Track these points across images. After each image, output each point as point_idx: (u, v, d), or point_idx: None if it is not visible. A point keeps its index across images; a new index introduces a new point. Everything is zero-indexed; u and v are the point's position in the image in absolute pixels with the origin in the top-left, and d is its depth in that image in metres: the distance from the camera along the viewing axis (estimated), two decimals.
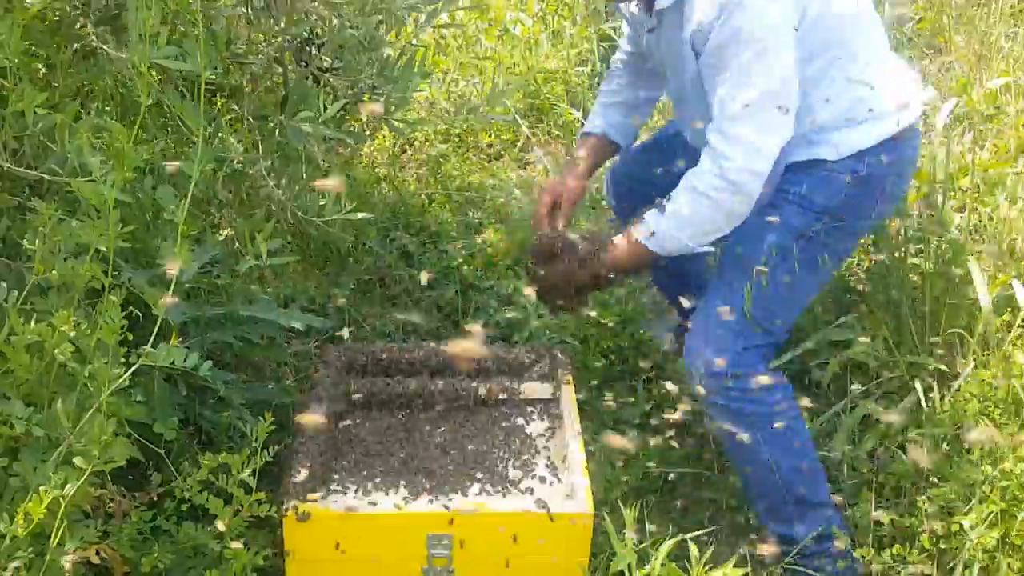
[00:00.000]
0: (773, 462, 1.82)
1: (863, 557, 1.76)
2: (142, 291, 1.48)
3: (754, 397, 1.78)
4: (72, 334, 1.32)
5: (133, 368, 1.36)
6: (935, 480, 1.88)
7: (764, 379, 1.77)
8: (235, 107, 2.31)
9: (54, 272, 1.36)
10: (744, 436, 1.78)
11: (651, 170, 2.10)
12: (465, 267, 2.71)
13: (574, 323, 2.50)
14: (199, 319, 1.92)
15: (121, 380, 1.34)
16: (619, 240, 1.81)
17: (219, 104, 2.44)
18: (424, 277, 2.28)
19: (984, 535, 1.66)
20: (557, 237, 1.88)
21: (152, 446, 1.57)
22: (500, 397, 1.95)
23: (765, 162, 1.64)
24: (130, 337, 1.41)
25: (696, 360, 1.80)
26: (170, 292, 1.38)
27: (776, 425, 1.79)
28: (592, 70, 3.70)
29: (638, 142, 2.27)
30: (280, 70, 2.09)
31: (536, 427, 1.90)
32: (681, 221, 1.71)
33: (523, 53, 3.66)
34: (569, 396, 1.89)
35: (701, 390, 1.82)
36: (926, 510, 1.77)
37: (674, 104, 2.01)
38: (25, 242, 1.35)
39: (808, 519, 1.84)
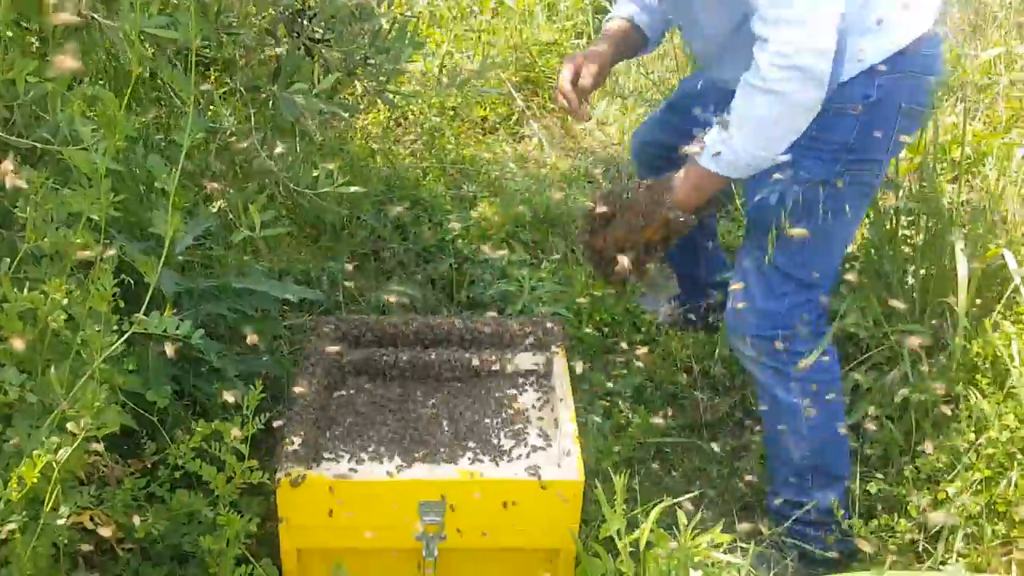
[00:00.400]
0: (810, 429, 1.81)
1: (851, 527, 1.78)
2: (134, 260, 1.48)
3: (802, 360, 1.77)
4: (65, 302, 1.33)
5: (126, 335, 1.37)
6: (921, 450, 1.90)
7: (810, 343, 1.75)
8: (228, 80, 2.31)
9: (46, 240, 1.36)
10: (793, 401, 1.77)
11: (678, 130, 1.99)
12: (460, 240, 2.72)
13: (567, 296, 2.52)
14: (192, 291, 1.93)
15: (114, 347, 1.36)
16: (682, 174, 1.69)
17: (212, 77, 2.44)
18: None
19: (970, 502, 1.68)
20: (613, 193, 1.77)
21: (146, 414, 1.58)
22: (493, 368, 1.97)
23: (827, 37, 1.49)
24: (122, 304, 1.42)
25: (742, 323, 1.78)
26: (162, 262, 1.39)
27: (827, 396, 1.78)
28: (587, 43, 3.69)
29: (662, 103, 2.21)
30: (272, 42, 2.08)
31: (528, 397, 1.91)
32: (750, 129, 1.56)
33: (518, 25, 3.65)
34: (561, 367, 1.91)
35: (750, 352, 1.81)
36: (913, 479, 1.80)
37: (695, 45, 1.90)
38: (17, 210, 1.35)
39: (829, 489, 1.85)
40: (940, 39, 1.69)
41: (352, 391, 1.91)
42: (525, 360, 1.98)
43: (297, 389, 1.78)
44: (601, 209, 1.77)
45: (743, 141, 1.57)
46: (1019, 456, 1.71)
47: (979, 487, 1.72)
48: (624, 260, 1.74)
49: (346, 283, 2.52)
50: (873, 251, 2.24)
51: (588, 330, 2.48)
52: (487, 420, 1.84)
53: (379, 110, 3.31)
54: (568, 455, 1.67)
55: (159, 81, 2.33)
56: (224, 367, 1.92)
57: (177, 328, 1.41)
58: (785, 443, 1.85)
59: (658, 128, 2.16)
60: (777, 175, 1.66)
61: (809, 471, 1.84)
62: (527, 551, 1.67)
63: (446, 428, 1.81)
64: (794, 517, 1.85)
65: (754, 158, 1.59)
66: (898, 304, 1.86)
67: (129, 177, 1.56)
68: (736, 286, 1.81)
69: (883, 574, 1.42)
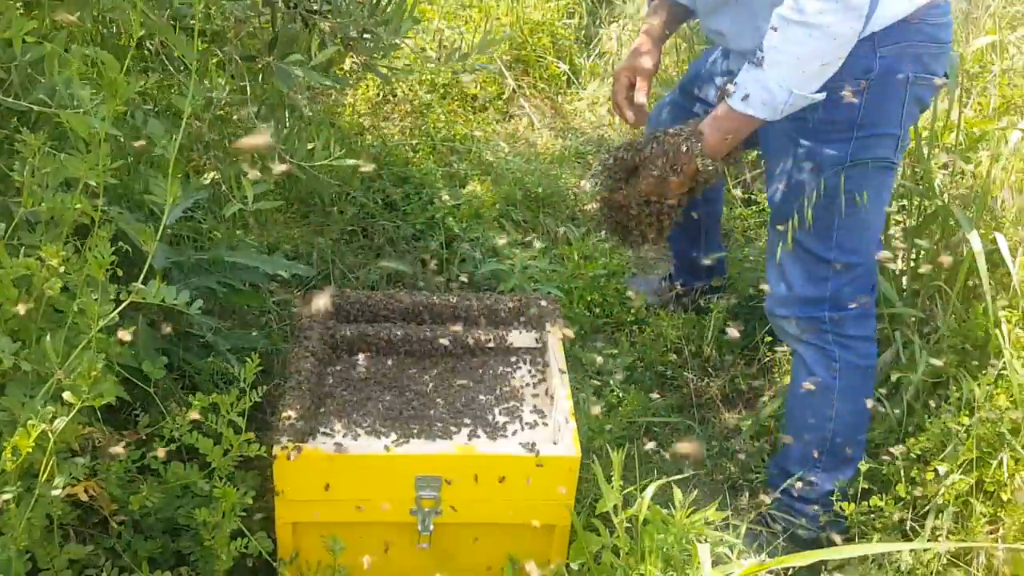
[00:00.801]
0: (838, 411, 1.81)
1: (842, 509, 1.80)
2: (132, 228, 1.46)
3: (848, 343, 1.78)
4: (61, 269, 1.30)
5: (123, 304, 1.35)
6: (912, 430, 1.93)
7: (860, 324, 1.75)
8: (218, 52, 2.27)
9: (42, 206, 1.33)
10: (832, 381, 1.78)
11: (690, 112, 2.01)
12: (450, 218, 2.71)
13: (559, 275, 2.51)
14: (182, 264, 1.91)
15: (111, 317, 1.33)
16: (712, 119, 1.64)
17: (203, 47, 2.40)
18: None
19: (958, 481, 1.70)
20: (637, 143, 1.70)
21: (142, 385, 1.56)
22: (487, 345, 1.96)
23: None
24: (120, 273, 1.40)
25: (784, 307, 1.78)
26: (159, 233, 1.37)
27: (864, 379, 1.78)
28: (579, 23, 3.68)
29: (675, 86, 2.19)
30: (267, 13, 2.05)
31: (523, 374, 1.91)
32: (786, 65, 1.51)
33: (509, 3, 3.62)
34: (556, 344, 1.90)
35: (793, 330, 1.80)
36: (903, 457, 1.82)
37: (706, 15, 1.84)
38: (14, 174, 1.32)
39: (837, 472, 1.86)
40: (947, 7, 1.65)
41: (347, 366, 1.90)
42: (520, 337, 1.98)
43: (293, 360, 1.77)
44: (623, 156, 1.72)
45: (779, 78, 1.52)
46: (1008, 437, 1.73)
47: (968, 467, 1.74)
48: (643, 220, 1.71)
49: (334, 259, 2.50)
50: None
51: (579, 309, 2.48)
52: (483, 396, 1.83)
53: (368, 86, 3.28)
54: (565, 431, 1.67)
55: (146, 51, 2.29)
56: (215, 341, 1.90)
57: (175, 298, 1.39)
58: (811, 421, 1.85)
59: (670, 111, 2.14)
60: (804, 162, 1.65)
61: (825, 453, 1.86)
62: (522, 526, 1.67)
63: (442, 404, 1.80)
64: (797, 496, 1.86)
65: (790, 95, 1.53)
66: (889, 289, 1.87)
67: (127, 141, 1.53)
68: (773, 274, 1.81)
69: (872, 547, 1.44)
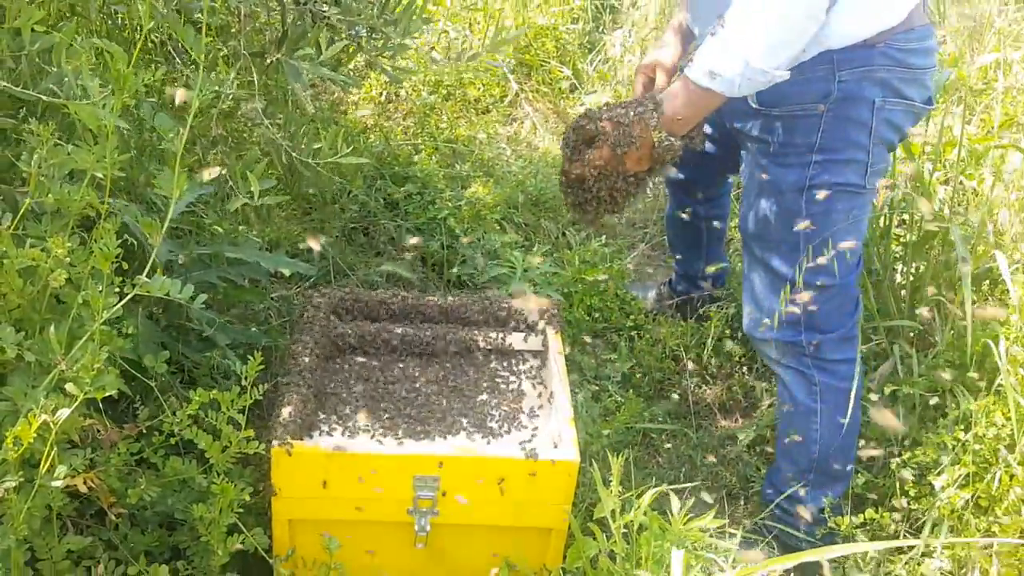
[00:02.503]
0: (822, 433, 1.82)
1: (838, 526, 1.80)
2: (138, 221, 1.45)
3: (827, 367, 1.78)
4: (67, 260, 1.30)
5: (128, 297, 1.34)
6: (907, 444, 1.93)
7: (842, 349, 1.74)
8: (223, 46, 2.28)
9: (49, 197, 1.33)
10: (812, 404, 1.78)
11: None
12: (451, 219, 2.71)
13: (560, 278, 2.52)
14: (184, 258, 1.91)
15: (115, 309, 1.33)
16: (670, 91, 1.59)
17: (210, 41, 2.40)
18: (412, 241, 2.26)
19: (954, 495, 1.71)
20: (594, 112, 1.63)
21: (143, 378, 1.56)
22: (487, 347, 1.96)
23: None
24: (125, 266, 1.40)
25: (761, 330, 1.77)
26: (164, 226, 1.37)
27: (846, 403, 1.76)
28: (584, 28, 3.68)
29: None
30: (276, 7, 2.05)
31: (524, 377, 1.91)
32: (746, 37, 1.44)
33: (515, 6, 3.62)
34: (557, 348, 1.91)
35: (773, 354, 1.80)
36: (899, 471, 1.82)
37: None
38: (21, 164, 1.32)
39: (827, 488, 1.87)
40: (925, 32, 1.59)
41: (347, 364, 1.90)
42: (520, 339, 1.98)
43: (293, 356, 1.77)
44: (582, 124, 1.64)
45: (734, 48, 1.46)
46: (1004, 452, 1.74)
47: (964, 482, 1.75)
48: (600, 195, 1.65)
49: (335, 257, 2.50)
50: (864, 248, 2.26)
51: (579, 313, 2.49)
52: (482, 398, 1.83)
53: (371, 85, 3.28)
54: (564, 435, 1.67)
55: (151, 43, 2.29)
56: (215, 336, 1.90)
57: (180, 291, 1.39)
58: (796, 443, 1.86)
59: None
60: (765, 179, 1.63)
61: (814, 472, 1.86)
62: (519, 529, 1.68)
63: (441, 405, 1.80)
64: (788, 511, 1.87)
65: (751, 71, 1.46)
66: (889, 301, 1.88)
67: (135, 134, 1.53)
68: (747, 296, 1.81)
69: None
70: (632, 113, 1.59)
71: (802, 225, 1.62)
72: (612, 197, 1.68)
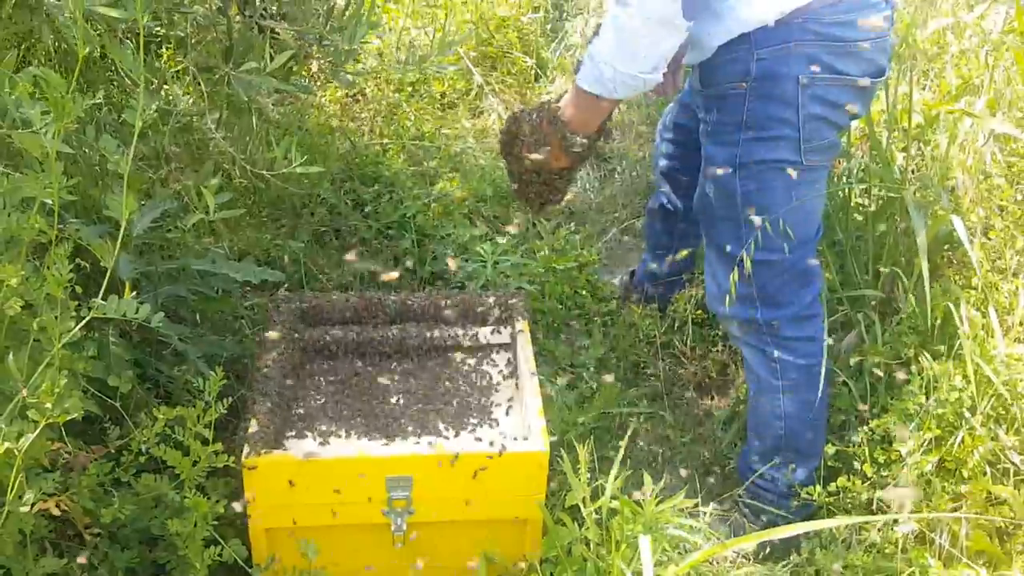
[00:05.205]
0: (786, 410, 1.84)
1: (809, 495, 1.83)
2: (90, 244, 1.47)
3: (785, 344, 1.80)
4: (20, 288, 1.31)
5: (84, 321, 1.36)
6: (876, 412, 1.96)
7: (801, 326, 1.77)
8: (181, 59, 2.28)
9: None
10: (775, 382, 1.81)
11: (696, 116, 1.97)
12: (420, 216, 2.72)
13: (531, 269, 2.53)
14: (152, 274, 1.92)
15: (72, 333, 1.34)
16: (567, 97, 1.68)
17: (165, 56, 2.40)
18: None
19: (921, 460, 1.73)
20: (517, 114, 1.75)
21: (109, 400, 1.57)
22: (457, 343, 1.98)
23: None
24: (80, 290, 1.41)
25: (722, 307, 1.78)
26: (119, 245, 1.38)
27: (809, 380, 1.79)
28: (544, 17, 3.68)
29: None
30: (222, 21, 2.05)
31: (493, 371, 1.93)
32: (607, 42, 1.53)
33: (475, 0, 3.62)
34: (525, 340, 1.92)
35: (736, 332, 1.84)
36: (868, 440, 1.85)
37: None
38: None
39: (798, 464, 1.89)
40: (858, 4, 1.58)
41: (315, 369, 1.91)
42: (489, 334, 2.00)
43: (260, 367, 1.78)
44: (507, 127, 1.77)
45: (602, 53, 1.55)
46: (967, 415, 1.76)
47: (930, 446, 1.78)
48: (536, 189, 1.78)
49: (306, 261, 2.51)
50: (826, 218, 2.28)
51: (550, 303, 2.50)
52: (452, 394, 1.85)
53: (335, 88, 3.28)
54: (533, 427, 1.69)
55: (110, 61, 2.29)
56: (186, 350, 1.91)
57: (136, 312, 1.40)
58: (764, 420, 1.89)
59: (679, 112, 2.15)
60: (705, 163, 1.68)
61: (783, 448, 1.89)
62: (495, 522, 1.70)
63: (411, 403, 1.82)
64: (761, 488, 1.90)
65: (619, 74, 1.55)
66: (852, 270, 1.90)
67: (83, 160, 1.54)
68: (707, 272, 1.85)
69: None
70: (536, 116, 1.71)
71: (739, 201, 1.68)
72: (548, 189, 1.79)
